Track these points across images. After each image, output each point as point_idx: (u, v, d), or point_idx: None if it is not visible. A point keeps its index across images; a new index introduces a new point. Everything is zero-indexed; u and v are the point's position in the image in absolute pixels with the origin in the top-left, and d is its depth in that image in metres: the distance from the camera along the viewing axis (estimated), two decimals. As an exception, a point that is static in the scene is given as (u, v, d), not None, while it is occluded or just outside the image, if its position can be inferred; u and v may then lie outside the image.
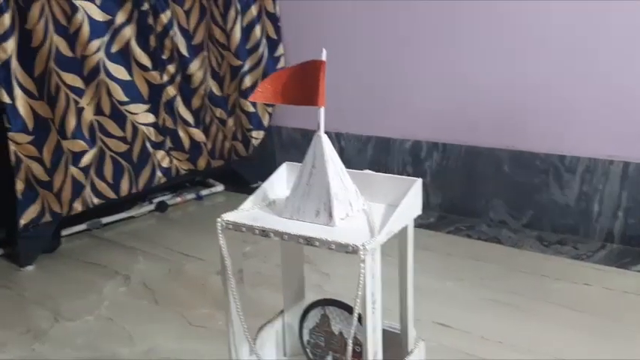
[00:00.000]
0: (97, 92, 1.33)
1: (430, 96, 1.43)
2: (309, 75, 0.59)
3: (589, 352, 0.87)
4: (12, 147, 1.22)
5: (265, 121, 1.66)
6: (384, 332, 0.63)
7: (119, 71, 1.37)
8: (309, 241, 0.58)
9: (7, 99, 1.20)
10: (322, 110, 0.61)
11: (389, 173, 0.69)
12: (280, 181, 0.72)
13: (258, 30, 1.59)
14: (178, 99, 1.54)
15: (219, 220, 0.64)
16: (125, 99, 1.38)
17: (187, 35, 1.53)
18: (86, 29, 1.28)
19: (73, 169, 1.32)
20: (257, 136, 1.65)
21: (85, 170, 1.34)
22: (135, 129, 1.42)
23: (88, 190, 1.37)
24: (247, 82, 1.60)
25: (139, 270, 1.24)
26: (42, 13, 1.23)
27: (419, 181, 0.65)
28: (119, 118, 1.39)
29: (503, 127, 1.34)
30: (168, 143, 1.53)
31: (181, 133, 1.57)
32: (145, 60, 1.41)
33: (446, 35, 1.38)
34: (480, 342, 0.91)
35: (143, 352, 0.94)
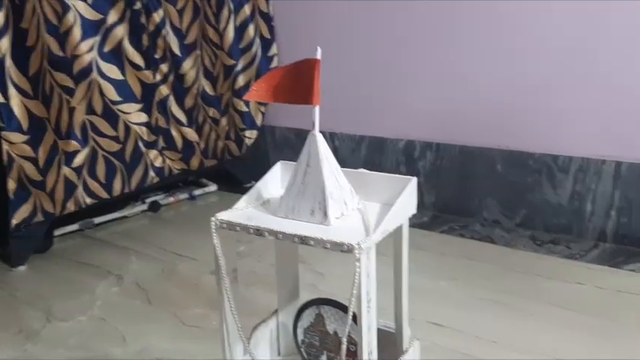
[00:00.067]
0: (89, 92, 1.32)
1: (424, 96, 1.44)
2: (304, 74, 0.59)
3: (582, 351, 0.87)
4: (5, 146, 1.21)
5: (258, 121, 1.66)
6: (379, 331, 0.63)
7: (112, 70, 1.36)
8: (304, 240, 0.58)
9: (0, 98, 1.19)
10: (317, 109, 0.61)
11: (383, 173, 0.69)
12: (274, 180, 0.72)
13: (251, 29, 1.58)
14: (171, 98, 1.54)
15: (213, 219, 0.64)
16: (118, 98, 1.38)
17: (180, 34, 1.53)
18: (77, 29, 1.27)
19: (65, 169, 1.31)
20: (250, 135, 1.65)
21: (77, 170, 1.33)
22: (127, 128, 1.42)
23: (80, 190, 1.36)
24: (240, 81, 1.60)
25: (132, 270, 1.24)
26: (34, 12, 1.22)
27: (414, 180, 0.65)
28: (111, 117, 1.38)
29: (497, 127, 1.34)
30: (161, 143, 1.53)
31: (174, 133, 1.56)
32: (138, 59, 1.41)
33: (440, 35, 1.38)
34: (474, 341, 0.92)
35: (136, 352, 0.94)
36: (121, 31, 1.36)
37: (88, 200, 1.38)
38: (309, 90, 0.59)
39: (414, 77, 1.44)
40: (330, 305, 0.72)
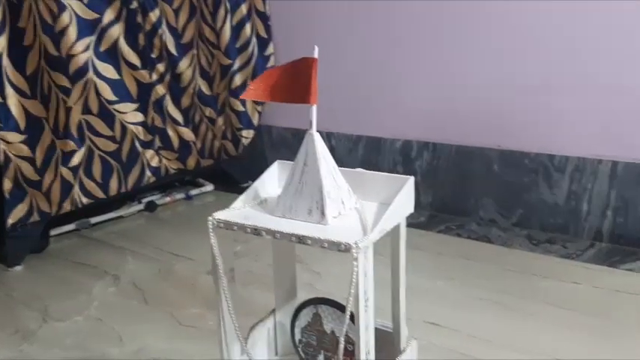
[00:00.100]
0: (85, 92, 1.32)
1: (421, 96, 1.44)
2: (301, 73, 0.59)
3: (579, 350, 0.88)
4: (2, 146, 1.21)
5: (255, 120, 1.66)
6: (376, 331, 0.63)
7: (108, 70, 1.36)
8: (301, 239, 0.58)
9: (-3, 97, 1.19)
10: (314, 108, 0.61)
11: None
12: (272, 180, 0.72)
13: (248, 28, 1.58)
14: (167, 98, 1.53)
15: (210, 218, 0.64)
16: (114, 98, 1.37)
17: (176, 34, 1.53)
18: (73, 28, 1.27)
19: (63, 169, 1.31)
20: (247, 135, 1.65)
21: (74, 170, 1.33)
22: (124, 128, 1.41)
23: (76, 190, 1.35)
24: (237, 80, 1.60)
25: (129, 270, 1.23)
26: (30, 12, 1.21)
27: (411, 180, 0.65)
28: (108, 117, 1.38)
29: (493, 127, 1.35)
30: (158, 142, 1.53)
31: (170, 132, 1.56)
32: (134, 59, 1.40)
33: (437, 35, 1.38)
34: (470, 340, 0.92)
35: (133, 353, 0.93)
36: (116, 31, 1.36)
37: (85, 200, 1.38)
38: (307, 89, 0.59)
39: (411, 77, 1.44)
40: (328, 305, 0.72)
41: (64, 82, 1.27)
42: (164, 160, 1.55)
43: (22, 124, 1.23)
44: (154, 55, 1.47)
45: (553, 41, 1.23)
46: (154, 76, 1.48)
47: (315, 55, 0.58)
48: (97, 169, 1.39)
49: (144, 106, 1.45)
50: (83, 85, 1.31)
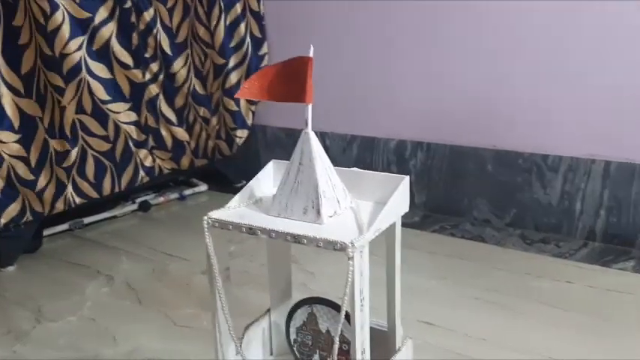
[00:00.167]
0: (78, 91, 1.31)
1: (415, 96, 1.44)
2: (296, 72, 0.59)
3: (572, 349, 0.88)
4: (-5, 145, 1.20)
5: (249, 120, 1.65)
6: (372, 330, 0.63)
7: (100, 69, 1.35)
8: (296, 238, 0.58)
9: (-9, 96, 1.18)
10: (310, 107, 0.61)
11: (375, 171, 0.69)
12: (267, 179, 0.72)
13: (242, 28, 1.58)
14: (160, 97, 1.53)
15: (205, 218, 0.64)
16: (107, 97, 1.37)
17: (170, 33, 1.52)
18: (66, 27, 1.26)
19: (57, 169, 1.30)
20: (241, 135, 1.64)
21: (67, 169, 1.32)
22: (117, 128, 1.41)
23: (70, 190, 1.35)
24: (231, 80, 1.59)
25: (122, 270, 1.23)
26: (26, 11, 1.21)
27: (406, 179, 0.65)
28: (101, 116, 1.37)
29: (487, 127, 1.35)
30: (151, 142, 1.52)
31: (164, 132, 1.55)
32: (127, 58, 1.40)
33: (430, 36, 1.38)
34: (464, 340, 0.92)
35: (127, 353, 0.93)
36: (108, 30, 1.35)
37: (78, 200, 1.37)
38: (302, 88, 0.59)
39: (405, 77, 1.44)
40: (323, 304, 0.72)
41: (59, 81, 1.27)
42: (158, 160, 1.55)
43: (15, 124, 1.22)
44: (147, 55, 1.46)
45: (547, 42, 1.23)
46: (147, 76, 1.47)
47: (311, 54, 0.58)
48: (90, 168, 1.38)
49: (137, 106, 1.44)
50: (77, 84, 1.30)
